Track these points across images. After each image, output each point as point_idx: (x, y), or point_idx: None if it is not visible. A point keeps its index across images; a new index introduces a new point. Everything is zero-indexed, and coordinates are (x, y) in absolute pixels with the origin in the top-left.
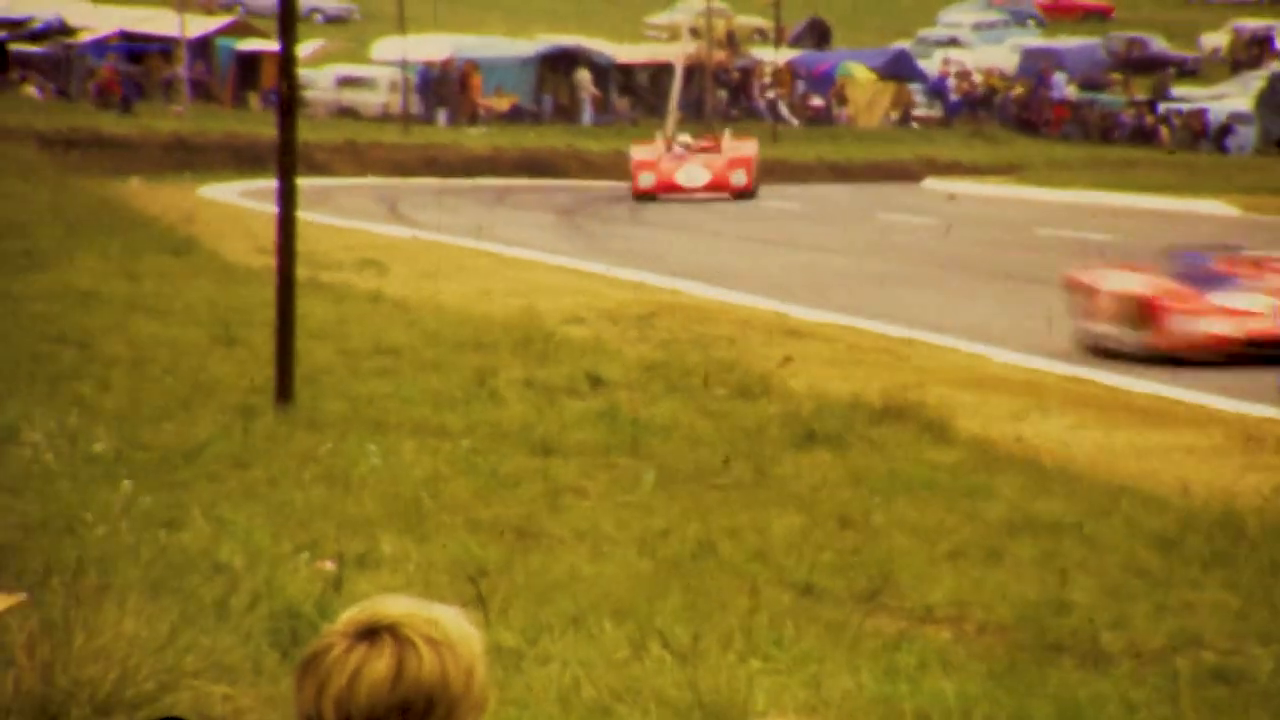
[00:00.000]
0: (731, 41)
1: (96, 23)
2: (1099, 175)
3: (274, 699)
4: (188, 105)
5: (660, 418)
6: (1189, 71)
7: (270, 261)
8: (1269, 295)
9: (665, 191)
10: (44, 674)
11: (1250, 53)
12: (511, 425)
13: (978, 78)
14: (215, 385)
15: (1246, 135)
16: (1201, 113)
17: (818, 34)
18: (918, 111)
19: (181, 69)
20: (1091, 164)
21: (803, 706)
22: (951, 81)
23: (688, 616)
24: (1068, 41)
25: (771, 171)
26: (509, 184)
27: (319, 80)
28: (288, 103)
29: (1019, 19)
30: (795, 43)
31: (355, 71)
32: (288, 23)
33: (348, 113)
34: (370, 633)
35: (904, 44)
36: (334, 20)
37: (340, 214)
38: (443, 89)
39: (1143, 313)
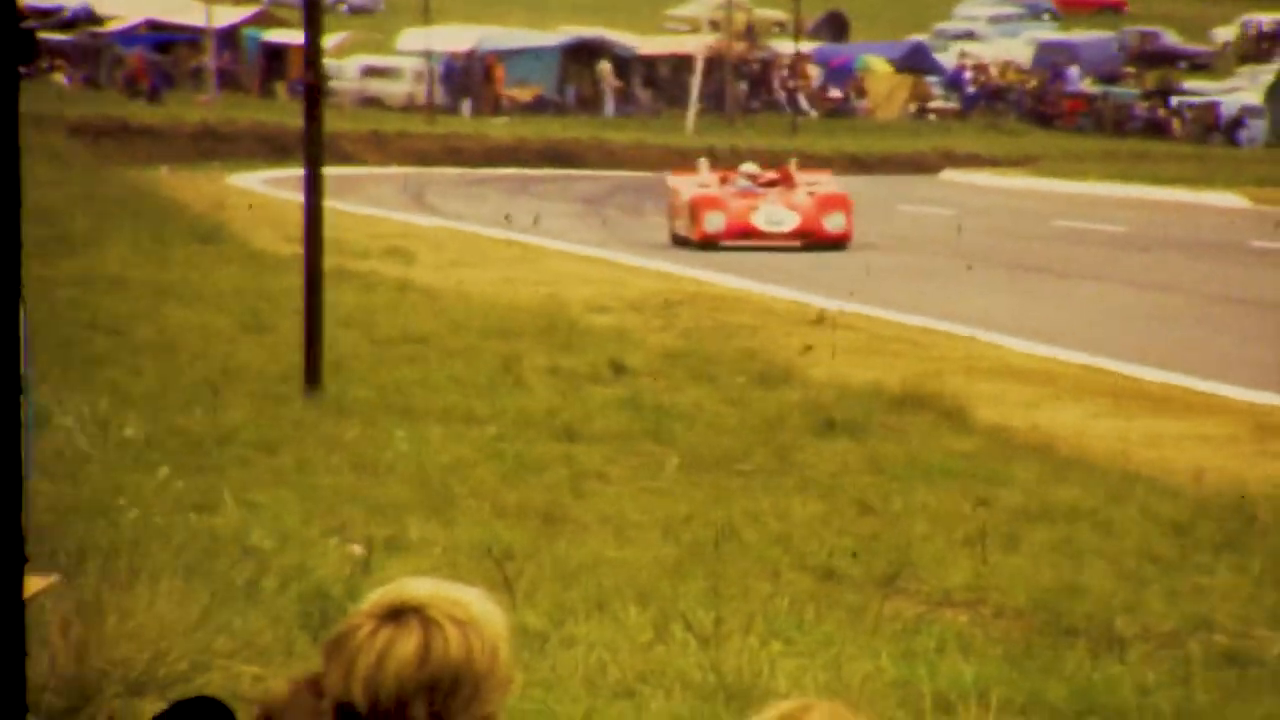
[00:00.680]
0: (750, 34)
1: (125, 11)
2: (1112, 167)
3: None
4: (215, 95)
5: (683, 405)
6: (1201, 65)
7: (298, 249)
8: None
9: (738, 238)
10: (78, 654)
11: (1260, 46)
12: (537, 411)
13: (994, 71)
14: (244, 371)
15: (1258, 128)
16: (1213, 106)
17: (836, 27)
18: (934, 104)
19: (209, 59)
20: (1105, 156)
21: (823, 689)
22: (968, 74)
23: (710, 600)
24: (1082, 35)
25: None
26: (532, 174)
27: (345, 70)
28: (314, 93)
29: (1034, 13)
30: (813, 35)
31: (380, 62)
32: (313, 14)
33: (373, 103)
34: (397, 614)
35: (921, 37)
36: (359, 11)
37: (367, 202)
38: (467, 80)
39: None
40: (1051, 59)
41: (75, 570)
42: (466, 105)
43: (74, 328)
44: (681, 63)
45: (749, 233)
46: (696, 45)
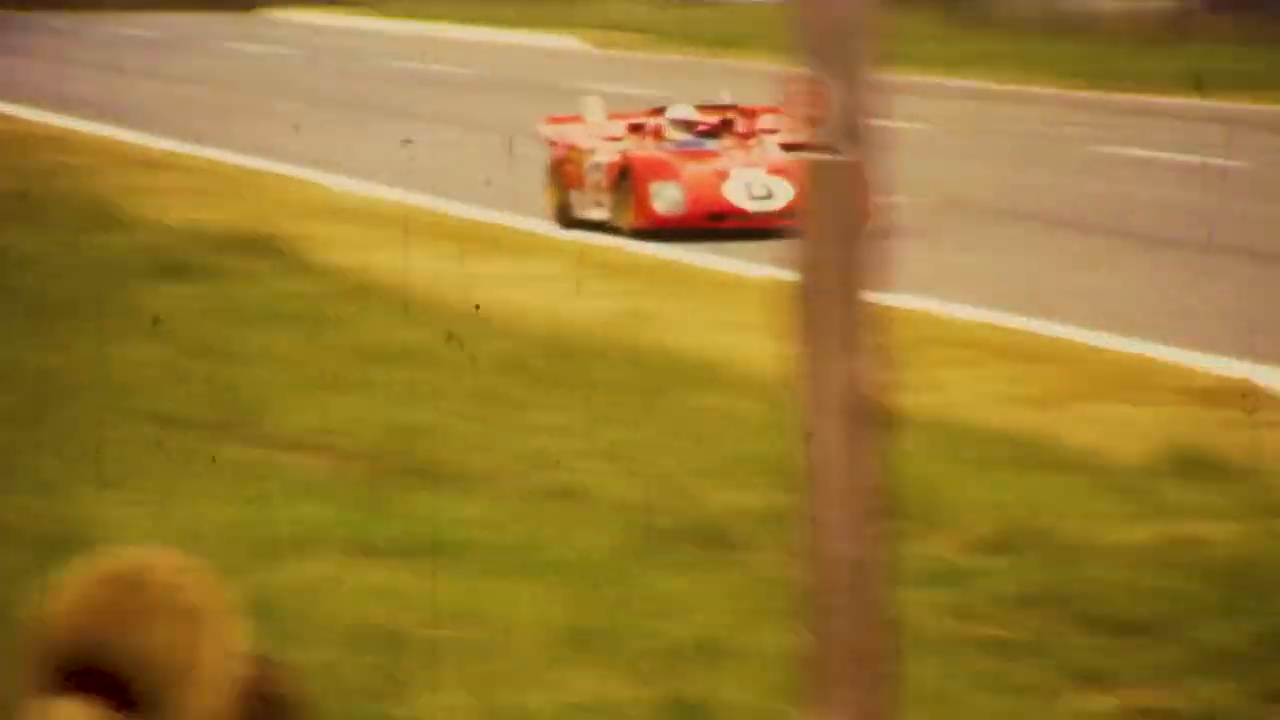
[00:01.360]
0: None
1: None
2: (455, 8)
3: None
4: None
5: (17, 249)
6: None
7: None
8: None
9: (707, 220)
10: None
11: None
12: None
13: None
14: None
15: None
16: None
17: None
18: None
19: None
20: None
21: (162, 536)
22: None
23: (49, 449)
24: None
25: None
26: None
27: None
28: None
29: None
30: None
31: None
32: None
33: None
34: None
35: None
36: None
37: None
38: None
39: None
40: None
41: None
42: None
43: None
44: None
45: (725, 212)
46: None
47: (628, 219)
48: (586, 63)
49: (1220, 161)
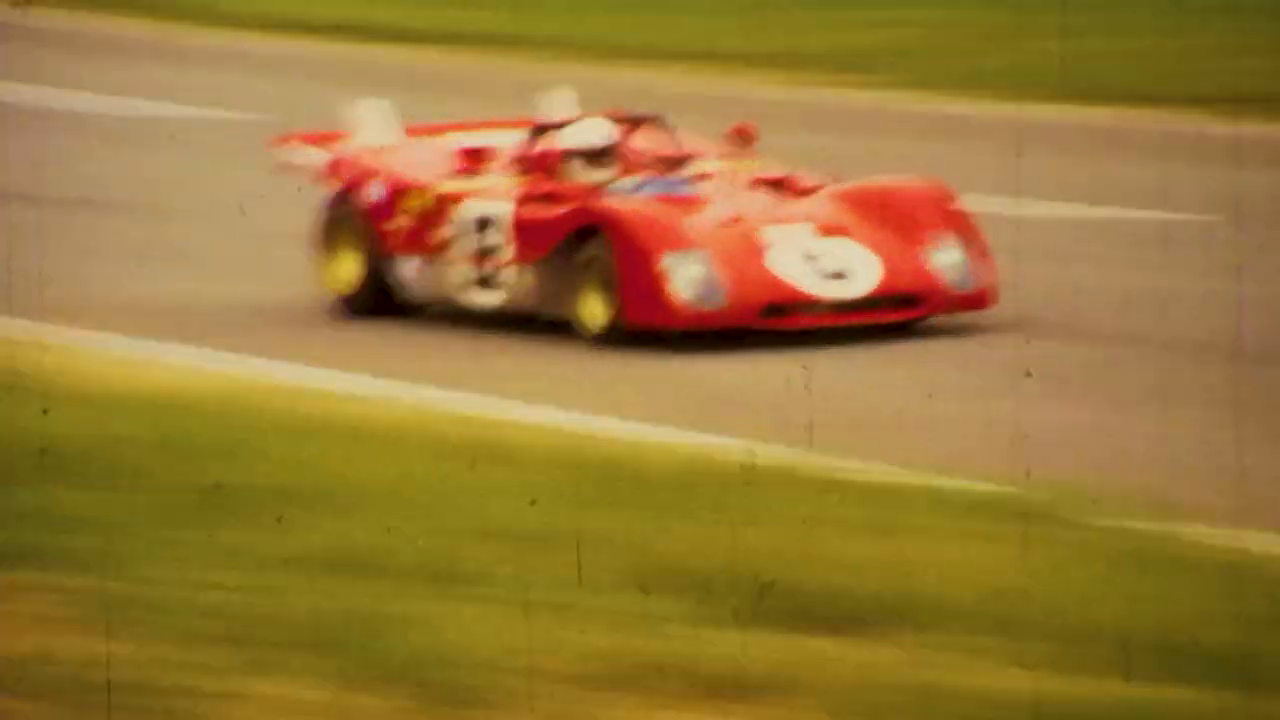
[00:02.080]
0: None
1: None
2: None
3: None
4: None
5: None
6: None
7: None
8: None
9: (759, 318)
10: None
11: None
12: None
13: None
14: None
15: None
16: None
17: None
18: None
19: None
20: None
21: None
22: None
23: None
24: None
25: None
26: None
27: None
28: None
29: None
30: None
31: None
32: None
33: None
34: None
35: None
36: None
37: None
38: None
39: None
40: None
41: None
42: None
43: None
44: None
45: (788, 302)
46: None
47: (599, 313)
48: None
49: None
